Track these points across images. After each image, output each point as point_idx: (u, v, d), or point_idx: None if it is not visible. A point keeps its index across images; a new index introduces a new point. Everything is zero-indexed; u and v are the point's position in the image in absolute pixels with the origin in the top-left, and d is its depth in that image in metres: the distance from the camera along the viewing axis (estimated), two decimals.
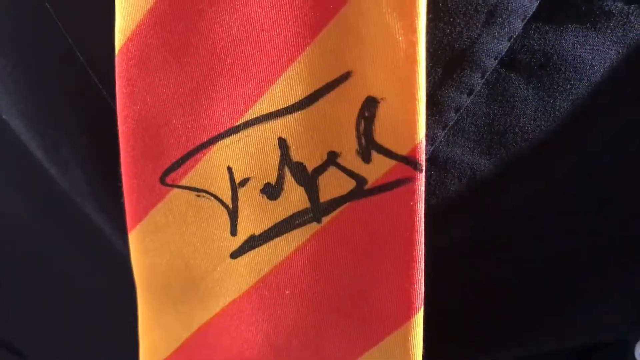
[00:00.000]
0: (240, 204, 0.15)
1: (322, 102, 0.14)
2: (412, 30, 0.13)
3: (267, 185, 0.15)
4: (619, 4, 0.15)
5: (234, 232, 0.15)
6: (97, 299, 0.22)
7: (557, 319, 0.20)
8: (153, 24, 0.14)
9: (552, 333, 0.20)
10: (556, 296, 0.19)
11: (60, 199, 0.20)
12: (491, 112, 0.16)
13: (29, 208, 0.22)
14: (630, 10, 0.15)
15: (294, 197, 0.14)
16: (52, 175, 0.19)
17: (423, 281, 0.15)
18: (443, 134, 0.15)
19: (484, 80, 0.14)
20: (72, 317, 0.23)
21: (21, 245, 0.23)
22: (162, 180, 0.15)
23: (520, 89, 0.15)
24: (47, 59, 0.17)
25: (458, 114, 0.15)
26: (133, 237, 0.16)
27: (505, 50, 0.14)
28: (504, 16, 0.14)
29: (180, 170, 0.15)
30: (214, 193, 0.15)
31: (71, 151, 0.18)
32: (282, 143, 0.14)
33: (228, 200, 0.15)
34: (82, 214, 0.20)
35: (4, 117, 0.19)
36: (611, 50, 0.16)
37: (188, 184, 0.15)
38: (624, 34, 0.15)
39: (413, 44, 0.13)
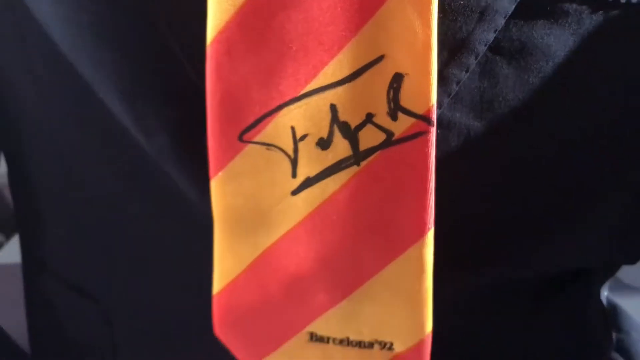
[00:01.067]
0: (299, 154, 0.20)
1: (362, 77, 0.19)
2: (428, 25, 0.18)
3: (320, 139, 0.20)
4: (574, 5, 0.21)
5: (294, 175, 0.21)
6: (171, 250, 0.28)
7: (534, 246, 0.26)
8: (238, 23, 0.19)
9: (528, 258, 0.26)
10: (532, 226, 0.25)
11: (144, 164, 0.25)
12: (482, 85, 0.21)
13: (117, 177, 0.27)
14: (582, 9, 0.21)
15: (340, 148, 0.20)
16: (139, 142, 0.25)
17: (433, 208, 0.20)
18: (447, 101, 0.21)
19: (477, 61, 0.20)
20: (148, 267, 0.29)
21: (104, 208, 0.28)
22: (240, 138, 0.21)
23: (503, 68, 0.21)
24: (146, 49, 0.22)
25: (458, 87, 0.21)
26: (215, 183, 0.22)
27: (492, 39, 0.20)
28: (491, 15, 0.19)
29: (254, 130, 0.21)
30: (279, 146, 0.21)
31: (157, 120, 0.24)
32: (333, 107, 0.20)
33: (290, 152, 0.21)
34: (163, 175, 0.25)
35: (100, 96, 0.24)
36: (569, 39, 0.21)
37: (260, 140, 0.21)
38: (578, 27, 0.21)
39: (428, 36, 0.18)
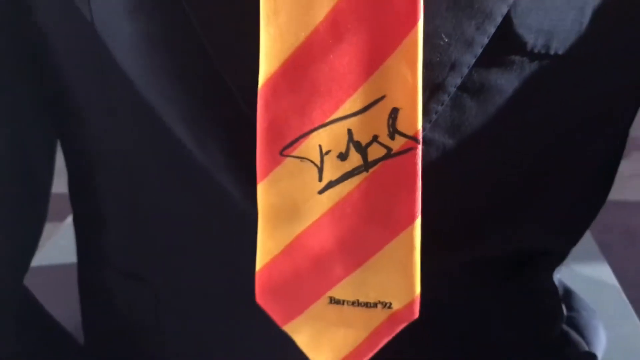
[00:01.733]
0: (324, 164, 0.29)
1: (370, 110, 0.27)
2: (415, 75, 0.26)
3: (340, 153, 0.28)
4: (518, 57, 0.29)
5: (320, 179, 0.29)
6: (215, 239, 0.36)
7: (501, 231, 0.34)
8: (282, 73, 0.27)
9: (497, 240, 0.35)
10: (498, 215, 0.34)
11: (198, 172, 0.33)
12: (453, 114, 0.30)
13: (176, 183, 0.35)
14: (524, 60, 0.29)
15: (354, 159, 0.28)
16: (196, 155, 0.32)
17: (420, 201, 0.29)
18: (429, 126, 0.29)
19: (449, 98, 0.29)
20: (196, 253, 0.36)
21: (163, 209, 0.36)
22: (281, 153, 0.29)
23: (468, 102, 0.30)
24: (206, 86, 0.30)
25: (436, 116, 0.29)
26: (260, 187, 0.30)
27: (459, 82, 0.28)
28: (458, 67, 0.28)
29: (291, 147, 0.29)
30: (310, 159, 0.29)
31: (212, 141, 0.32)
32: (349, 131, 0.28)
33: (318, 162, 0.29)
34: (213, 181, 0.33)
35: (166, 120, 0.32)
36: (515, 80, 0.30)
37: (295, 154, 0.29)
38: (522, 72, 0.30)
39: (416, 82, 0.26)
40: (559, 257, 0.43)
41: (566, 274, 0.57)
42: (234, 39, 0.29)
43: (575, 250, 0.52)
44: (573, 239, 0.42)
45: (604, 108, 0.33)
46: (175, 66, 0.30)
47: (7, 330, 0.39)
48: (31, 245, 0.42)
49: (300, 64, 0.27)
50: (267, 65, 0.27)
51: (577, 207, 0.38)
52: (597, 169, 0.37)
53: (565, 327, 0.49)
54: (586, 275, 0.58)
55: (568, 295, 0.54)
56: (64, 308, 0.47)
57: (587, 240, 0.65)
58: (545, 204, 0.35)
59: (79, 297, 0.46)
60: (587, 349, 0.48)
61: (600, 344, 0.50)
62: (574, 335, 0.49)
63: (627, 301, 0.55)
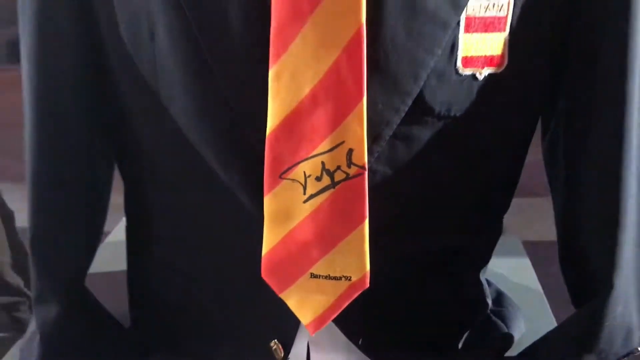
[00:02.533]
0: (307, 183, 0.45)
1: (335, 150, 0.44)
2: (362, 130, 0.43)
3: (317, 176, 0.45)
4: (430, 118, 0.46)
5: (304, 194, 0.45)
6: (231, 234, 0.52)
7: (434, 228, 0.51)
8: (281, 126, 0.44)
9: (426, 236, 0.51)
10: (432, 215, 0.50)
11: (220, 185, 0.49)
12: (388, 153, 0.47)
13: (206, 198, 0.51)
14: (434, 120, 0.47)
15: (325, 180, 0.45)
16: (220, 176, 0.49)
17: (367, 207, 0.45)
18: (373, 160, 0.46)
19: (385, 143, 0.45)
20: (218, 244, 0.53)
21: (195, 211, 0.53)
22: (280, 176, 0.45)
23: (398, 145, 0.46)
24: (229, 132, 0.47)
25: (377, 153, 0.46)
26: (266, 199, 0.46)
27: (391, 133, 0.45)
28: (391, 125, 0.44)
29: (286, 173, 0.45)
30: (298, 180, 0.45)
31: (233, 166, 0.48)
32: (322, 163, 0.44)
33: (303, 182, 0.45)
34: (230, 192, 0.49)
35: (199, 149, 0.49)
36: (428, 133, 0.47)
37: (289, 177, 0.45)
38: (433, 127, 0.47)
39: (362, 134, 0.43)
40: (480, 257, 0.60)
41: (501, 280, 0.73)
42: (250, 108, 0.45)
43: (508, 261, 0.69)
44: (484, 240, 0.58)
45: (495, 144, 0.50)
46: (211, 121, 0.47)
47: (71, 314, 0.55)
48: (93, 248, 0.58)
49: (292, 121, 0.44)
50: (271, 122, 0.44)
51: (484, 213, 0.55)
52: (499, 184, 0.54)
53: (492, 316, 0.65)
54: (515, 281, 0.74)
55: (499, 295, 0.70)
56: (111, 306, 0.62)
57: (520, 254, 0.81)
58: (459, 211, 0.52)
59: (127, 288, 0.62)
60: (507, 331, 0.64)
61: (519, 330, 0.66)
62: (499, 322, 0.65)
63: (546, 302, 0.71)
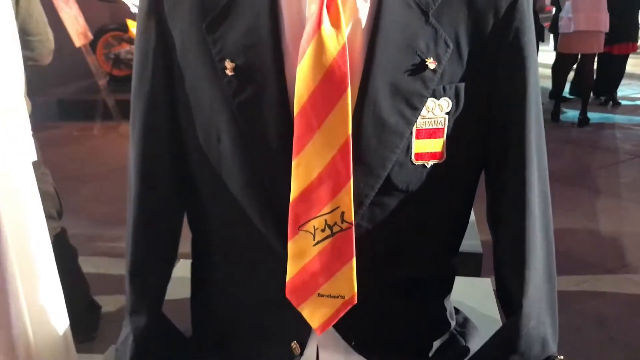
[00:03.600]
0: (315, 233, 0.70)
1: (333, 212, 0.69)
2: (349, 199, 0.69)
3: (322, 229, 0.70)
4: (395, 192, 0.72)
5: (314, 240, 0.70)
6: (264, 266, 0.77)
7: (407, 263, 0.76)
8: (299, 197, 0.70)
9: (397, 269, 0.76)
10: (396, 254, 0.75)
11: (258, 234, 0.75)
12: (369, 213, 0.72)
13: (247, 237, 0.77)
14: (398, 193, 0.72)
15: (327, 232, 0.70)
16: (259, 228, 0.75)
17: (355, 248, 0.70)
18: (358, 218, 0.71)
19: (366, 208, 0.71)
20: (252, 271, 0.78)
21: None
22: (298, 229, 0.71)
23: (376, 210, 0.72)
24: (269, 202, 0.73)
25: (361, 214, 0.71)
26: (289, 244, 0.71)
27: (369, 202, 0.71)
28: (368, 197, 0.70)
29: (302, 226, 0.71)
30: (310, 231, 0.70)
31: (269, 222, 0.74)
32: (325, 220, 0.70)
33: (312, 233, 0.70)
34: (266, 239, 0.75)
35: (245, 209, 0.75)
36: (395, 200, 0.72)
37: (304, 229, 0.71)
38: (397, 197, 0.72)
39: (350, 203, 0.69)
40: (441, 286, 0.84)
41: (469, 310, 0.96)
42: (280, 185, 0.71)
43: (477, 297, 0.93)
44: (442, 273, 0.82)
45: (442, 207, 0.75)
46: (255, 193, 0.73)
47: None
48: (169, 277, 0.84)
49: (306, 194, 0.70)
50: (292, 194, 0.70)
51: (438, 254, 0.79)
52: (448, 234, 0.78)
53: (457, 334, 0.88)
54: (481, 312, 0.97)
55: (465, 320, 0.93)
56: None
57: (488, 291, 1.04)
58: (420, 253, 0.76)
59: (190, 307, 0.87)
60: (465, 344, 0.86)
61: (477, 345, 0.89)
62: (461, 339, 0.88)
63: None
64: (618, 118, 5.81)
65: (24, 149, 0.98)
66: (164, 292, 0.83)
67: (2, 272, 0.96)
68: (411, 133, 0.69)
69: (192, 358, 0.84)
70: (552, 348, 0.78)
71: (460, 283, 0.97)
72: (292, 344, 0.77)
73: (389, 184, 0.71)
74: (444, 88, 0.69)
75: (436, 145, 0.71)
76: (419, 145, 0.70)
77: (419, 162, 0.71)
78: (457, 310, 0.92)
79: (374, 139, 0.68)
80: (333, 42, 0.65)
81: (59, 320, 1.05)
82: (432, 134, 0.70)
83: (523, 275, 0.73)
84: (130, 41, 5.48)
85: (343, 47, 0.65)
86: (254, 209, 0.74)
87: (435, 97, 0.69)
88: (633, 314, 2.53)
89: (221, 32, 0.70)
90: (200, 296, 0.87)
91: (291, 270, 0.72)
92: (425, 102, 0.69)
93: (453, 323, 0.88)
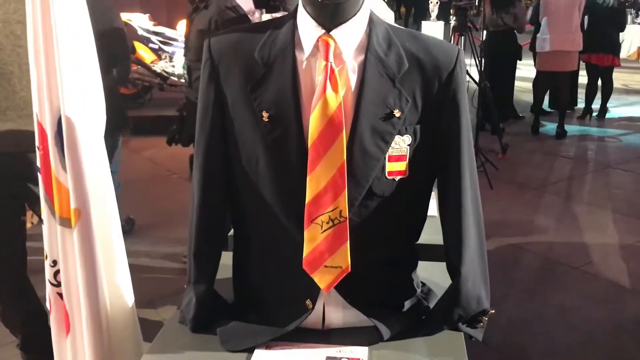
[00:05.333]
0: (323, 225, 1.06)
1: (334, 210, 1.06)
2: (344, 201, 1.05)
3: (327, 222, 1.06)
4: (375, 197, 1.08)
5: (322, 229, 1.06)
6: (284, 248, 1.13)
7: (384, 247, 1.12)
8: (312, 200, 1.07)
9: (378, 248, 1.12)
10: (377, 237, 1.11)
11: (281, 225, 1.11)
12: (358, 210, 1.08)
13: (272, 229, 1.13)
14: (378, 197, 1.08)
15: (331, 223, 1.06)
16: (283, 222, 1.11)
17: (348, 235, 1.06)
18: (350, 214, 1.07)
19: (356, 206, 1.07)
20: (275, 253, 1.14)
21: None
22: (311, 222, 1.07)
23: (361, 208, 1.08)
24: (293, 209, 1.09)
25: (352, 211, 1.07)
26: (305, 232, 1.07)
27: (358, 202, 1.07)
28: (357, 200, 1.07)
29: (314, 220, 1.06)
30: (319, 223, 1.06)
31: (292, 218, 1.10)
32: (329, 216, 1.05)
33: (320, 224, 1.06)
34: (287, 228, 1.11)
35: (274, 210, 1.11)
36: (374, 203, 1.09)
37: (315, 222, 1.06)
38: (377, 200, 1.09)
39: (345, 204, 1.05)
40: (408, 263, 1.20)
41: (433, 284, 1.33)
42: (299, 194, 1.07)
43: (440, 273, 1.30)
44: (407, 254, 1.19)
45: (408, 206, 1.12)
46: (282, 199, 1.09)
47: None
48: (220, 257, 1.20)
49: (317, 199, 1.06)
50: (307, 199, 1.06)
51: (405, 240, 1.16)
52: (411, 225, 1.15)
53: (422, 298, 1.25)
54: (441, 285, 1.33)
55: (429, 290, 1.30)
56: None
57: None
58: (392, 238, 1.12)
59: (232, 279, 1.24)
60: (427, 305, 1.23)
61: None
62: (424, 301, 1.24)
63: None
64: (594, 130, 6.23)
65: (105, 158, 1.36)
66: (216, 269, 1.19)
67: (93, 257, 1.32)
68: (385, 158, 1.06)
69: (236, 317, 1.20)
70: (486, 304, 1.15)
71: (428, 265, 1.34)
72: (307, 301, 1.13)
73: (371, 192, 1.07)
74: (405, 128, 1.06)
75: (401, 166, 1.07)
76: (390, 166, 1.07)
77: (391, 177, 1.07)
78: (423, 284, 1.29)
79: (360, 163, 1.05)
80: (333, 100, 1.02)
81: (128, 295, 1.41)
82: (398, 158, 1.07)
83: (461, 253, 1.10)
84: (136, 62, 5.84)
85: (340, 104, 1.02)
86: (281, 210, 1.10)
87: (400, 134, 1.06)
88: (591, 304, 2.90)
89: (260, 92, 1.06)
90: (240, 273, 1.22)
91: (306, 250, 1.08)
92: (394, 138, 1.05)
93: (419, 290, 1.25)
